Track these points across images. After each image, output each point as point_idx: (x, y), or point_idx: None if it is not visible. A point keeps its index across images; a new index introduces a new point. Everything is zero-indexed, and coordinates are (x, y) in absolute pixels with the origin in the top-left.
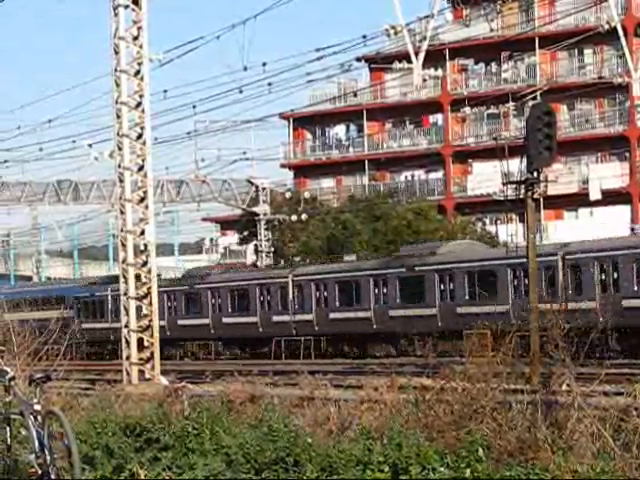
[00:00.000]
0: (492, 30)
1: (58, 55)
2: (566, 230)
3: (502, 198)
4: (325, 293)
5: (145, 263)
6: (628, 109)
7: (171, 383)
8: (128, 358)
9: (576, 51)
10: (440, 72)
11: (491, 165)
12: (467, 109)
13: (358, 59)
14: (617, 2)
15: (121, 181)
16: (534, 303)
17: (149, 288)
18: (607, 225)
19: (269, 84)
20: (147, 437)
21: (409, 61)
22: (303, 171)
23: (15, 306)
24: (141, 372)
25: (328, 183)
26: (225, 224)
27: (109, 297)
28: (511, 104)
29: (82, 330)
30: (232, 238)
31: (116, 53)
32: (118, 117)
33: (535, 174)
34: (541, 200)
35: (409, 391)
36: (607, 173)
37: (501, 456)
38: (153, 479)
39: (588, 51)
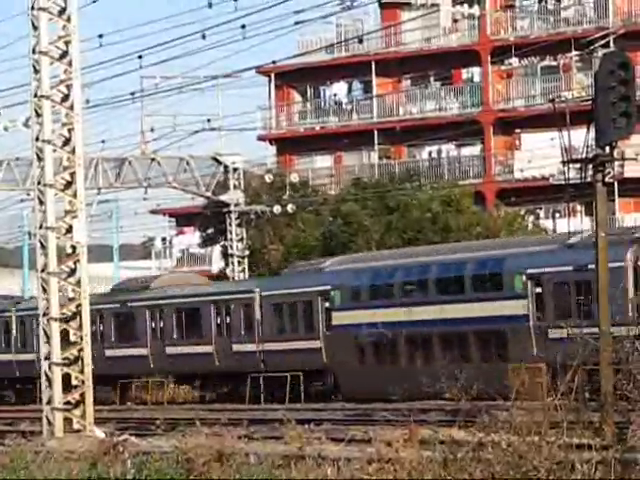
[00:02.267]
0: None
1: None
2: None
3: (562, 182)
4: None
5: (73, 271)
6: None
7: (109, 436)
8: (50, 402)
9: None
10: (477, 10)
11: (547, 137)
12: (514, 60)
13: None
14: None
15: (40, 159)
16: (604, 325)
17: (78, 306)
18: None
19: (243, 27)
20: None
21: None
22: (289, 145)
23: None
24: (68, 421)
25: (324, 162)
26: (182, 218)
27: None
28: (574, 53)
29: None
30: (192, 237)
31: None
32: (36, 72)
33: (607, 149)
34: (615, 185)
35: (435, 447)
36: None
37: None
38: None
39: None
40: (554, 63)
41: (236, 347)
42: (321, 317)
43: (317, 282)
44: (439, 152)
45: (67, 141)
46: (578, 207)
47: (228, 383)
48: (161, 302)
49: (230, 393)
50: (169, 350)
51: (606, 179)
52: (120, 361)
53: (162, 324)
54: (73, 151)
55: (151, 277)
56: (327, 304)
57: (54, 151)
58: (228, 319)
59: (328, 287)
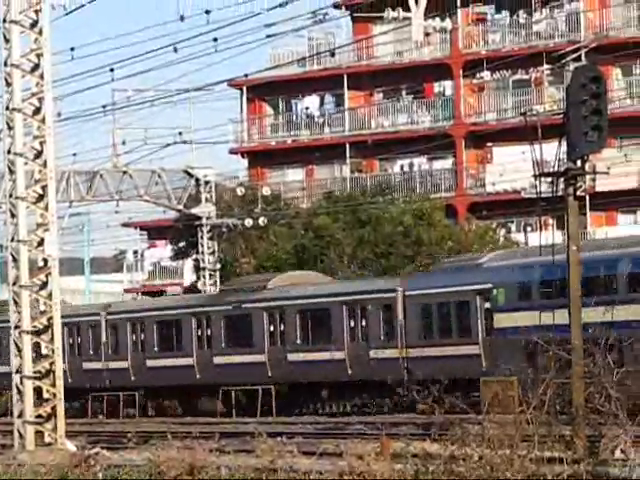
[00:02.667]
0: None
1: None
2: None
3: (533, 196)
4: None
5: (44, 285)
6: None
7: (80, 449)
8: (21, 415)
9: None
10: (449, 23)
11: (519, 151)
12: (486, 74)
13: (336, 6)
14: None
15: (11, 172)
16: (576, 338)
17: (50, 319)
18: None
19: (215, 40)
20: None
21: (406, 8)
22: (261, 159)
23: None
24: (39, 434)
25: (296, 175)
26: (154, 231)
27: None
28: (546, 67)
29: None
30: (163, 251)
31: None
32: (8, 84)
33: (579, 163)
34: (587, 199)
35: (407, 460)
36: None
37: None
38: None
39: None
40: (526, 77)
41: (374, 353)
42: (480, 319)
43: (474, 279)
44: (411, 165)
45: (39, 154)
46: (550, 221)
47: (362, 394)
48: (282, 303)
49: (365, 405)
50: (291, 357)
51: (577, 193)
52: (231, 369)
53: (282, 328)
54: (45, 164)
55: (268, 276)
56: (487, 304)
57: (26, 164)
58: (364, 322)
59: (489, 285)
